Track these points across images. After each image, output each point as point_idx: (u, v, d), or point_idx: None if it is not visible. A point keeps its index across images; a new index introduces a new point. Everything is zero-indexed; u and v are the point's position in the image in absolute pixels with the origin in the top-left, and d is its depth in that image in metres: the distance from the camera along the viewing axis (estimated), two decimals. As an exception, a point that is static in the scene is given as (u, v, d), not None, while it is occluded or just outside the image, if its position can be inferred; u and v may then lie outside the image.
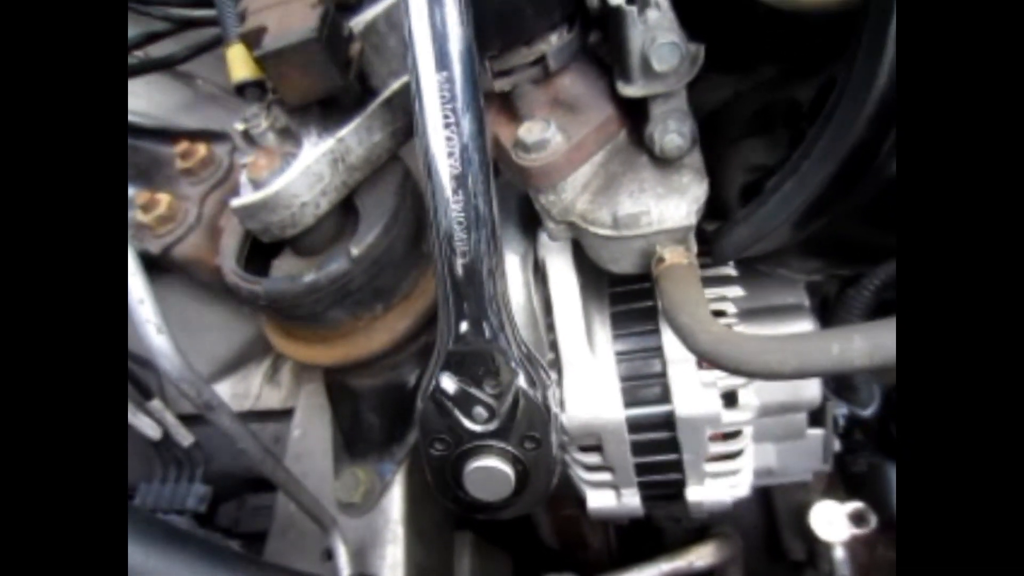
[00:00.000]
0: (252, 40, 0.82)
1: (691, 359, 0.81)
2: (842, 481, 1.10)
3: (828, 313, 0.91)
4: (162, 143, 1.07)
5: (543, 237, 0.85)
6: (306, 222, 0.90)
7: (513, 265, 0.80)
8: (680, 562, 1.11)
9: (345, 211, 0.96)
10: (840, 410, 0.94)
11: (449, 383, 0.59)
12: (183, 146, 1.03)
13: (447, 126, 0.51)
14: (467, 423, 0.61)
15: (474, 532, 1.28)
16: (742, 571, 1.21)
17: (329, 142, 0.88)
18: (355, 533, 1.06)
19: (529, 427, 0.61)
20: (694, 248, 0.69)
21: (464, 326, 0.57)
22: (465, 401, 0.60)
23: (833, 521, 1.09)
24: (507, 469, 0.61)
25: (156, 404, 1.05)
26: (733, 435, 0.86)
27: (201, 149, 1.03)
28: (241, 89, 0.95)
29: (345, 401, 1.12)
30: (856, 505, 1.06)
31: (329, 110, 0.90)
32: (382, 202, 0.92)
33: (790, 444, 0.93)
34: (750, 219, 0.68)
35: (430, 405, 0.61)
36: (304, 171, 0.87)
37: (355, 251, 0.89)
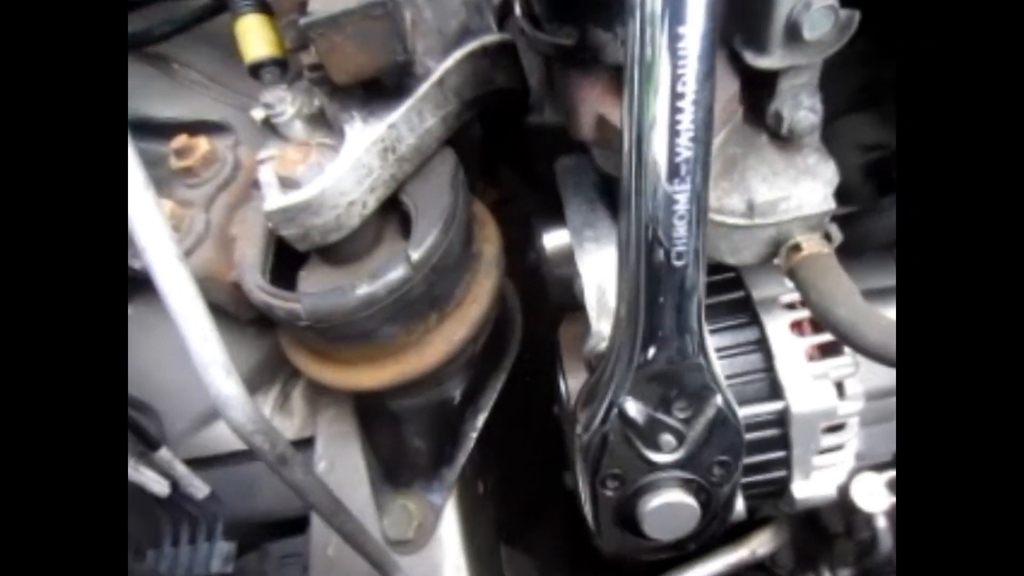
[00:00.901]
0: (288, 7, 0.68)
1: (799, 351, 0.75)
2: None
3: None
4: (149, 138, 0.89)
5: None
6: (352, 224, 0.77)
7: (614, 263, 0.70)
8: (743, 551, 1.06)
9: (382, 210, 0.83)
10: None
11: (635, 410, 0.49)
12: (181, 141, 0.86)
13: (678, 96, 0.40)
14: (650, 454, 0.52)
15: (512, 543, 1.19)
16: (792, 552, 1.17)
17: (379, 129, 0.75)
18: (413, 570, 0.94)
19: (722, 451, 0.52)
20: (838, 236, 0.61)
21: (660, 341, 0.47)
22: (651, 429, 0.50)
23: (873, 492, 1.07)
24: (693, 502, 0.52)
25: (164, 454, 0.88)
26: (840, 426, 0.80)
27: (202, 144, 0.87)
28: (256, 70, 0.80)
29: (384, 425, 0.99)
30: (892, 474, 1.05)
31: (371, 93, 0.77)
32: (438, 197, 0.80)
33: (877, 427, 0.89)
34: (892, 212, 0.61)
35: (603, 438, 0.51)
36: (354, 164, 0.74)
37: (415, 255, 0.76)
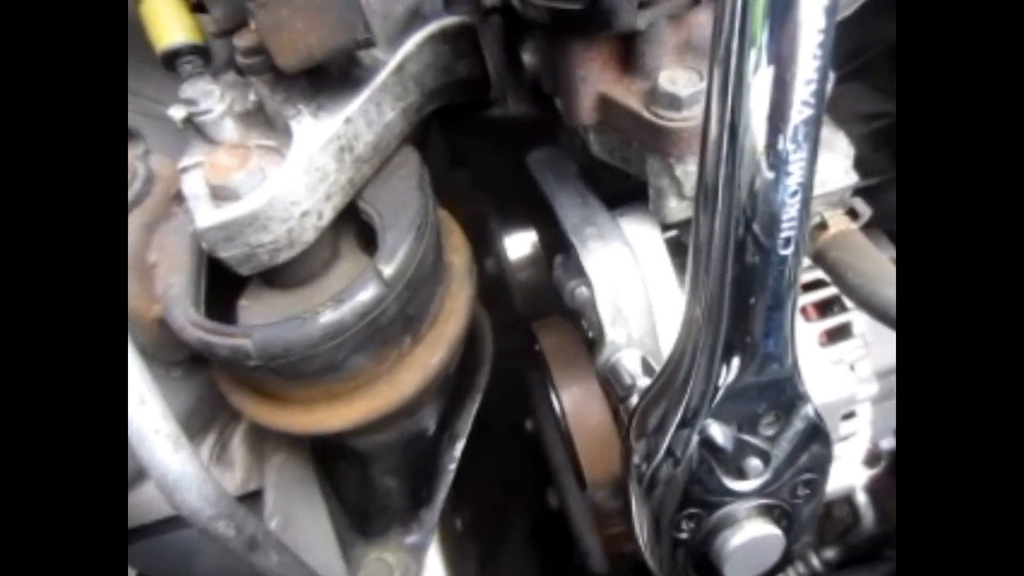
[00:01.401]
0: (217, -23, 0.55)
1: (812, 338, 0.70)
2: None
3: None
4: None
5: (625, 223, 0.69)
6: (306, 239, 0.65)
7: (626, 260, 0.63)
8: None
9: (336, 222, 0.71)
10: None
11: (720, 434, 0.41)
12: (75, 152, 0.69)
13: (821, 46, 0.32)
14: (732, 483, 0.44)
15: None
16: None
17: (333, 125, 0.63)
18: (398, 634, 0.82)
19: (809, 468, 0.45)
20: (866, 211, 0.57)
21: (750, 349, 0.39)
22: (736, 454, 0.42)
23: (851, 468, 1.07)
24: (778, 531, 0.45)
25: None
26: (852, 413, 0.77)
27: (104, 154, 0.70)
28: (171, 60, 0.66)
29: (348, 467, 0.86)
30: (867, 448, 1.05)
31: (319, 84, 0.65)
32: (405, 203, 0.69)
33: (880, 406, 0.87)
34: None
35: (677, 471, 0.43)
36: (306, 167, 0.62)
37: (388, 270, 0.65)
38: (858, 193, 0.62)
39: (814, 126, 0.33)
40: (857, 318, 0.73)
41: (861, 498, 1.03)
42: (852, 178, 0.56)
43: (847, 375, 0.68)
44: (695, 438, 0.41)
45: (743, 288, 0.36)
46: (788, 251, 0.36)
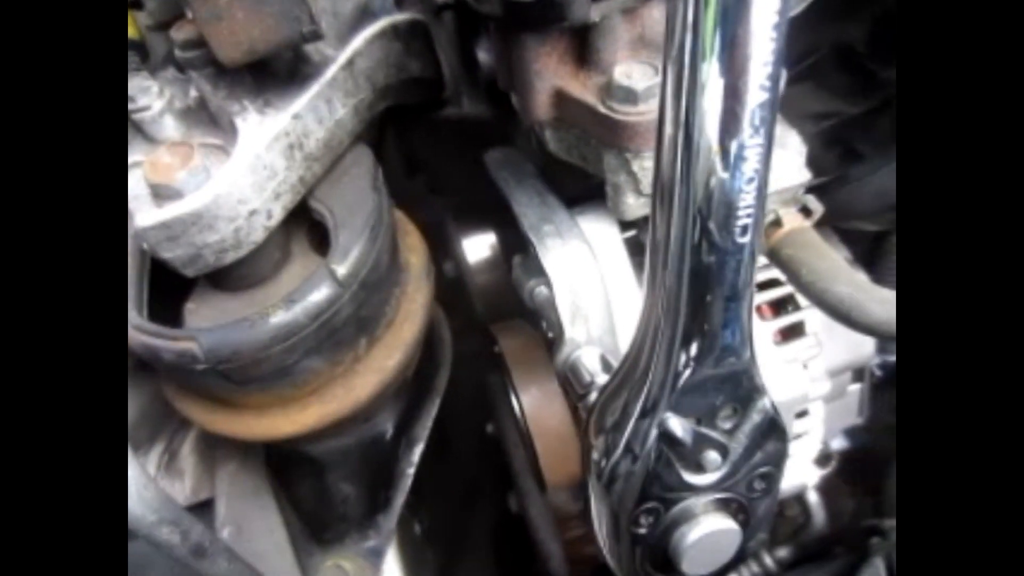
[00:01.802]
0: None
1: (767, 336, 0.71)
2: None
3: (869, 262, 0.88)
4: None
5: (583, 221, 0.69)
6: (254, 239, 0.63)
7: (584, 257, 0.62)
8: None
9: (287, 222, 0.69)
10: (874, 360, 0.92)
11: (679, 426, 0.41)
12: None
13: (773, 27, 0.32)
14: (690, 477, 0.43)
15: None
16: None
17: (281, 121, 0.62)
18: (357, 644, 0.80)
19: (766, 461, 0.45)
20: (818, 208, 0.58)
21: (709, 339, 0.39)
22: (695, 447, 0.42)
23: (802, 467, 1.09)
24: (735, 526, 0.45)
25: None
26: (805, 412, 0.78)
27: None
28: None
29: (303, 474, 0.84)
30: (819, 448, 1.08)
31: (264, 79, 0.63)
32: (359, 202, 0.68)
33: (831, 405, 0.89)
34: (878, 178, 0.59)
35: (636, 465, 0.42)
36: (252, 164, 0.59)
37: (341, 269, 0.64)
38: (809, 191, 0.63)
39: (770, 111, 0.34)
40: (810, 317, 0.75)
41: (812, 497, 1.05)
42: (805, 175, 0.57)
43: (800, 374, 0.70)
44: (654, 431, 0.41)
45: (701, 278, 0.36)
46: (745, 239, 0.36)
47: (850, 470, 1.00)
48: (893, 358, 0.88)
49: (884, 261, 0.82)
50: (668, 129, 0.34)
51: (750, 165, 0.35)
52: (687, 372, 0.40)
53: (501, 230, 1.03)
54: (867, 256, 0.85)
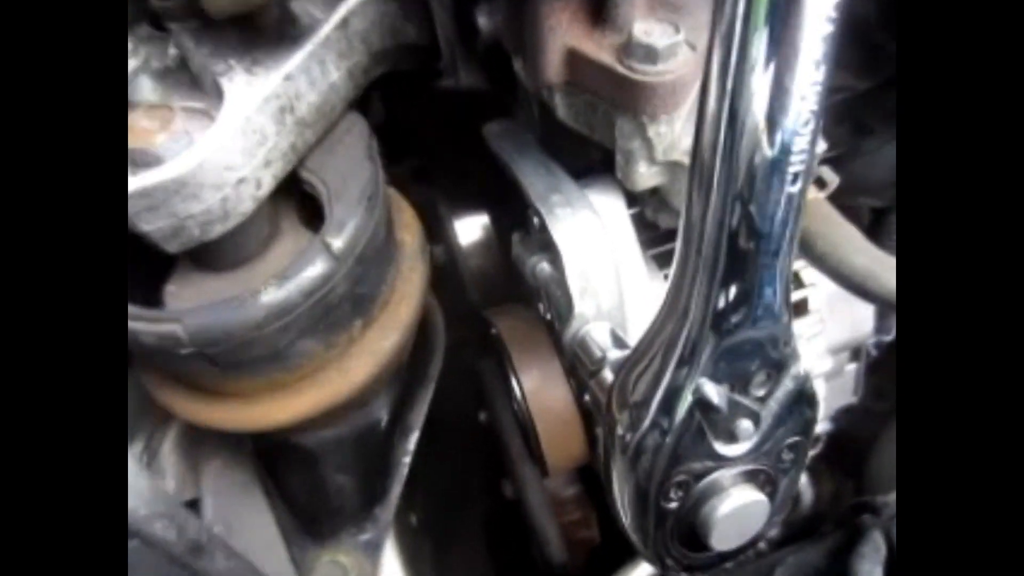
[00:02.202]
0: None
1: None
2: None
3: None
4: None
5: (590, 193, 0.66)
6: (243, 210, 0.59)
7: (595, 228, 0.59)
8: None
9: (275, 195, 0.65)
10: (870, 340, 0.92)
11: (715, 393, 0.39)
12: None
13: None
14: (721, 447, 0.41)
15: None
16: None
17: (271, 82, 0.58)
18: (355, 640, 0.77)
19: (796, 430, 0.43)
20: (834, 180, 0.56)
21: (746, 300, 0.37)
22: (729, 415, 0.40)
23: None
24: (763, 498, 0.43)
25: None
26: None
27: None
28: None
29: (295, 467, 0.80)
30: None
31: (251, 38, 0.59)
32: (354, 172, 0.64)
33: (831, 382, 0.88)
34: (890, 150, 0.57)
35: (667, 438, 0.40)
36: (242, 127, 0.56)
37: (337, 243, 0.60)
38: (822, 164, 0.61)
39: (828, 54, 0.31)
40: (814, 294, 0.73)
41: (802, 478, 1.05)
42: (820, 145, 0.55)
43: (803, 351, 0.68)
44: (689, 398, 0.38)
45: (743, 233, 0.34)
46: (795, 188, 0.34)
47: (831, 451, 1.00)
48: (888, 338, 0.88)
49: (884, 239, 0.81)
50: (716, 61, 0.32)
51: (807, 104, 0.32)
52: (726, 334, 0.37)
53: (495, 210, 1.00)
54: (867, 235, 0.84)
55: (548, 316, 0.74)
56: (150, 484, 0.40)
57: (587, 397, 0.71)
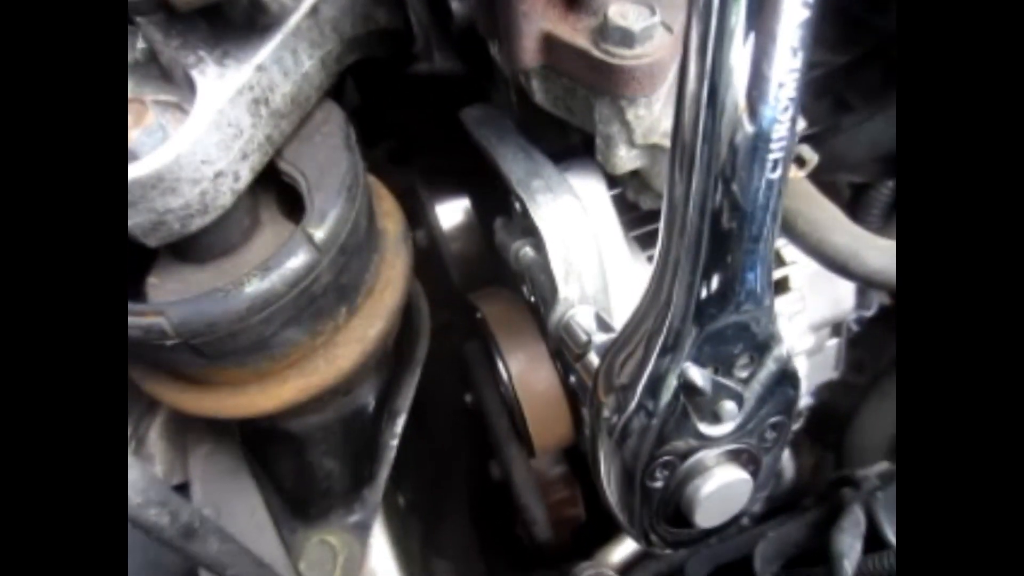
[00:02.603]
0: None
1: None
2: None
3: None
4: None
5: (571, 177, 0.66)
6: (222, 203, 0.59)
7: (576, 212, 0.60)
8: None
9: (253, 187, 0.64)
10: (851, 316, 0.94)
11: (699, 376, 0.40)
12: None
13: None
14: (705, 427, 0.42)
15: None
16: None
17: (243, 73, 0.57)
18: (348, 618, 0.78)
19: (778, 410, 0.44)
20: (813, 158, 0.57)
21: (729, 285, 0.38)
22: (713, 397, 0.41)
23: None
24: (747, 476, 0.44)
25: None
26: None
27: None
28: None
29: (283, 452, 0.81)
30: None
31: (220, 29, 0.58)
32: (333, 161, 0.64)
33: (812, 359, 0.90)
34: (871, 126, 0.58)
35: (652, 420, 0.41)
36: (216, 120, 0.55)
37: (319, 233, 0.60)
38: (802, 141, 0.62)
39: (805, 35, 0.32)
40: (795, 272, 0.75)
41: (784, 452, 1.07)
42: (799, 124, 0.56)
43: (785, 329, 0.70)
44: (673, 382, 0.39)
45: (725, 217, 0.35)
46: (776, 174, 0.35)
47: (811, 425, 1.03)
48: (869, 313, 0.90)
49: (865, 216, 0.83)
50: (694, 43, 0.32)
51: (786, 92, 0.33)
52: (708, 319, 0.38)
53: (476, 194, 1.00)
54: (847, 212, 0.85)
55: (532, 299, 0.75)
56: (142, 472, 0.41)
57: (573, 380, 0.72)
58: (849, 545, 0.62)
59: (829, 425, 1.13)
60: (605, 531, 1.02)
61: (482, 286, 0.95)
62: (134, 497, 0.39)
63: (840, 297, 0.79)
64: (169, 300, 0.59)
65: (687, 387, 0.40)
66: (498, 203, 0.76)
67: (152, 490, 0.41)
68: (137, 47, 0.59)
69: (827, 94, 0.65)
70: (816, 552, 0.74)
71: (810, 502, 0.86)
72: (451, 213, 1.01)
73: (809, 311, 0.76)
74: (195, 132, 0.54)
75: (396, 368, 0.87)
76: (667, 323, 0.39)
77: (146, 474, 0.41)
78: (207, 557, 0.47)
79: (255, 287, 0.57)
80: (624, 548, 0.99)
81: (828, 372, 0.92)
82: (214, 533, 0.47)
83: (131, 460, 0.40)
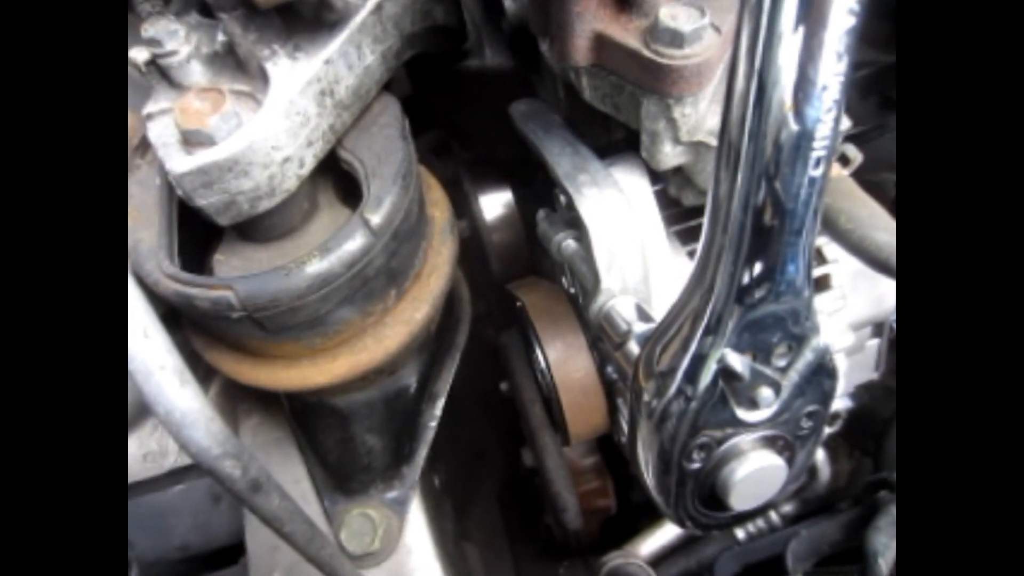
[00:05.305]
0: None
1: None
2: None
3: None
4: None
5: (615, 171, 0.68)
6: (287, 187, 0.62)
7: (620, 205, 0.62)
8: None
9: (314, 173, 0.68)
10: (893, 316, 0.93)
11: (738, 362, 0.42)
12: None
13: None
14: (743, 413, 0.44)
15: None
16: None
17: (312, 66, 0.60)
18: (383, 586, 0.82)
19: (815, 400, 0.46)
20: (857, 156, 0.58)
21: (769, 275, 0.40)
22: (750, 384, 0.43)
23: None
24: (781, 462, 0.46)
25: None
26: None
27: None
28: (131, -5, 0.61)
29: (328, 426, 0.84)
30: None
31: (292, 24, 0.62)
32: (389, 151, 0.67)
33: (852, 358, 0.90)
34: None
35: (691, 404, 0.43)
36: (286, 109, 0.59)
37: (375, 219, 0.63)
38: (847, 140, 0.63)
39: (851, 37, 0.34)
40: (836, 271, 0.75)
41: (819, 455, 1.07)
42: (845, 123, 0.57)
43: (825, 325, 0.71)
44: (713, 367, 0.41)
45: (768, 212, 0.36)
46: (818, 172, 0.37)
47: (850, 429, 1.02)
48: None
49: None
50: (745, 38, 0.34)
51: (830, 94, 0.35)
52: (750, 308, 0.40)
53: (518, 187, 1.03)
54: (891, 211, 0.85)
55: (572, 290, 0.77)
56: (222, 427, 0.44)
57: (611, 368, 0.74)
58: (884, 544, 0.63)
59: (868, 431, 1.12)
60: (633, 527, 1.04)
61: (519, 276, 0.98)
62: (214, 448, 0.43)
63: (881, 296, 0.79)
64: (236, 275, 0.63)
65: (726, 372, 0.42)
66: (539, 196, 0.78)
67: (229, 443, 0.44)
68: (217, 40, 0.63)
69: (874, 93, 0.66)
70: (850, 552, 0.74)
71: (846, 505, 0.86)
72: (494, 205, 1.04)
73: (849, 309, 0.77)
74: (268, 120, 0.58)
75: (437, 352, 0.91)
76: (709, 309, 0.41)
77: (224, 429, 0.45)
78: (268, 512, 0.51)
79: (315, 267, 0.61)
80: (653, 542, 1.01)
81: (868, 372, 0.92)
82: (276, 490, 0.51)
83: (212, 413, 0.44)
